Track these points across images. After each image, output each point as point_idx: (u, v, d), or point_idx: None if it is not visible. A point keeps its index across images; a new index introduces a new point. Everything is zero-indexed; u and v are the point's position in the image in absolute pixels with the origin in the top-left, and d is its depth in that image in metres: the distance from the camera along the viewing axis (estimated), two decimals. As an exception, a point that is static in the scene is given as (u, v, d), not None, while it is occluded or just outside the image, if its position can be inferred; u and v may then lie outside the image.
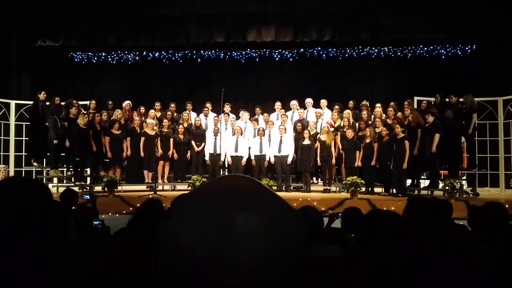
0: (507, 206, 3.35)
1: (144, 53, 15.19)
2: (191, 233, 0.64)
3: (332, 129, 11.73)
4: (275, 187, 11.30)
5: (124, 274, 2.26)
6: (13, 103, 13.69)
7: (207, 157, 11.98)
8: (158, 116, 12.53)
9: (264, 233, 0.64)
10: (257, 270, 0.62)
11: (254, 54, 15.09)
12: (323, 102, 12.74)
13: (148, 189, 11.65)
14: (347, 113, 11.97)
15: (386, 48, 14.56)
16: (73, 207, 4.87)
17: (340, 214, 4.11)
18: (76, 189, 8.44)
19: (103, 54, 15.32)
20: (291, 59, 15.02)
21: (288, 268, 0.64)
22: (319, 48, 14.65)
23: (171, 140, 11.96)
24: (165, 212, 0.70)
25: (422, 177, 11.67)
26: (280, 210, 0.68)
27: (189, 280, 0.63)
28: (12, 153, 13.68)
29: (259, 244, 0.63)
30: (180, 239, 0.64)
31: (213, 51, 15.04)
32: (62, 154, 12.12)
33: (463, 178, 11.64)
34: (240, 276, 0.62)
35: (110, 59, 15.41)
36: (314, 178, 12.42)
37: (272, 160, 11.75)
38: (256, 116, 12.68)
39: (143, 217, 3.21)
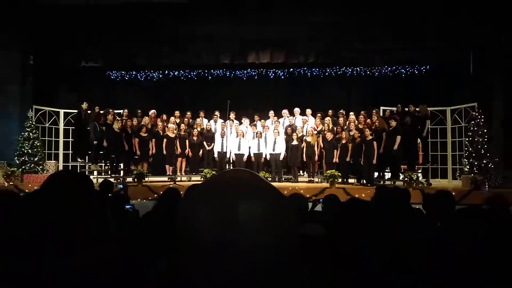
0: (454, 193, 3.35)
1: (166, 72, 15.19)
2: (201, 217, 0.63)
3: (315, 132, 11.73)
4: (270, 178, 11.29)
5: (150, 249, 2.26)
6: (62, 111, 13.66)
7: (216, 155, 11.97)
8: (177, 122, 12.52)
9: (262, 216, 0.64)
10: (258, 246, 0.62)
11: (253, 73, 15.09)
12: (308, 111, 12.73)
13: (169, 180, 11.64)
14: (327, 119, 12.00)
15: (358, 68, 14.57)
16: (109, 194, 4.86)
17: (322, 200, 4.10)
18: (112, 180, 8.43)
19: (134, 72, 15.31)
20: (283, 77, 15.02)
21: (284, 244, 0.64)
22: (305, 68, 14.65)
23: (187, 141, 11.95)
24: (181, 199, 0.69)
25: (386, 170, 11.68)
26: (274, 196, 0.68)
27: (201, 257, 0.62)
28: (61, 152, 13.66)
29: (258, 225, 0.63)
30: (192, 222, 0.64)
31: (220, 70, 15.04)
32: (101, 152, 12.11)
33: (419, 171, 11.65)
34: (244, 253, 0.62)
35: (139, 77, 15.41)
36: (301, 171, 12.42)
37: (268, 157, 11.74)
38: (255, 122, 12.66)
39: (164, 203, 3.21)
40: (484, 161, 10.87)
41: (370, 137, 10.65)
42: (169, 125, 12.01)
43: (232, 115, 12.67)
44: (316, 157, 11.48)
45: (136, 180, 10.78)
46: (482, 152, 10.97)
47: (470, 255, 1.35)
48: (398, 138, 10.62)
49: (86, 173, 11.75)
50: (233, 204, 0.63)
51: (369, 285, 1.43)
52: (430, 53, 12.45)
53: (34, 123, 12.37)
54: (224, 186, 0.67)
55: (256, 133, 11.87)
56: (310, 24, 12.19)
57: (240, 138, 11.83)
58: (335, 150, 11.17)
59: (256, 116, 12.94)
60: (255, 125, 12.40)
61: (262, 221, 0.63)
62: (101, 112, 12.42)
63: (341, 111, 12.60)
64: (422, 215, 3.21)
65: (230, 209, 0.63)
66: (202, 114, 12.95)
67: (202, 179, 11.06)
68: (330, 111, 12.69)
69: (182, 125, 12.14)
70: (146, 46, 13.15)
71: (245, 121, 12.69)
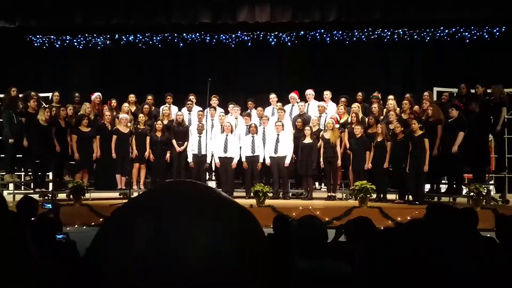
0: (541, 215, 3.36)
1: (116, 35, 15.10)
2: (122, 260, 0.63)
3: (337, 125, 11.73)
4: (271, 194, 11.29)
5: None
6: (-40, 95, 13.60)
7: (190, 159, 11.97)
8: (132, 111, 12.50)
9: (216, 253, 0.64)
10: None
11: (246, 38, 15.06)
12: (327, 94, 12.73)
13: (121, 196, 11.61)
14: (356, 106, 11.98)
15: (400, 30, 14.56)
16: (32, 218, 4.85)
17: (344, 225, 4.11)
18: (36, 196, 8.40)
19: (68, 37, 15.22)
20: (289, 43, 15.00)
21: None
22: (322, 31, 14.63)
23: (148, 138, 11.93)
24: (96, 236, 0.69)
25: (443, 181, 11.69)
26: (235, 221, 0.68)
27: None
28: (-41, 155, 13.59)
29: (210, 269, 0.63)
30: (111, 268, 0.64)
31: (197, 34, 14.99)
32: (19, 155, 12.04)
33: (490, 182, 11.67)
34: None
35: (76, 44, 15.32)
36: (317, 183, 12.42)
37: (268, 161, 11.74)
38: (249, 111, 12.65)
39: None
40: None
41: (420, 132, 10.66)
42: (121, 115, 11.99)
43: (214, 101, 12.65)
44: (339, 162, 11.50)
45: (72, 196, 10.74)
46: None
47: None
48: (461, 134, 10.63)
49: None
50: (169, 239, 0.64)
51: None
52: (507, 6, 12.45)
53: None
54: (155, 209, 0.67)
55: (250, 127, 11.87)
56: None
57: (227, 134, 11.83)
58: (367, 152, 11.19)
59: (250, 102, 12.93)
60: (249, 115, 12.41)
61: (217, 261, 0.64)
62: (20, 96, 12.36)
63: (376, 94, 12.62)
64: (495, 247, 3.22)
65: (165, 247, 0.63)
66: (169, 98, 12.92)
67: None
68: (359, 93, 12.70)
69: (141, 115, 12.12)
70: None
71: (234, 109, 12.70)
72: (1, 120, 12.01)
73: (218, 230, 0.65)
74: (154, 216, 0.65)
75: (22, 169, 12.44)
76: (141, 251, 0.63)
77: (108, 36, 15.17)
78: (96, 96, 12.76)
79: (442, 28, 14.32)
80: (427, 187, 11.37)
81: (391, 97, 12.18)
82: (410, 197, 10.91)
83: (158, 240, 0.63)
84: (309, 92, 12.84)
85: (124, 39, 15.18)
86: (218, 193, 0.72)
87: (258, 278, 0.65)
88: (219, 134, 11.95)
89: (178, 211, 0.66)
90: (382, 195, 11.20)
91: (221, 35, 15.02)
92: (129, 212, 0.68)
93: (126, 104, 12.44)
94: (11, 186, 12.18)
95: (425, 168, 10.50)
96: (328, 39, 14.82)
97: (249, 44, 15.10)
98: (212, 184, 12.56)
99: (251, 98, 13.19)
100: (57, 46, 15.36)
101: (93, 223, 9.81)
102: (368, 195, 10.48)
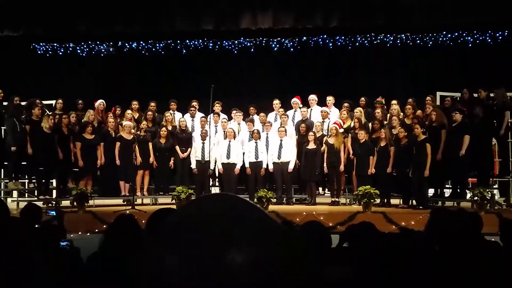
0: (546, 218, 3.36)
1: (119, 43, 15.14)
2: (174, 267, 0.63)
3: (341, 130, 11.71)
4: (274, 199, 11.28)
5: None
6: (-36, 103, 13.62)
7: (193, 165, 11.96)
8: (136, 117, 12.51)
9: (263, 269, 0.64)
10: None
11: (248, 44, 15.08)
12: (330, 99, 12.74)
13: (125, 203, 11.59)
14: (358, 111, 11.97)
15: (403, 35, 14.56)
16: (36, 225, 4.85)
17: (344, 231, 4.09)
18: (40, 204, 8.40)
19: (71, 45, 15.26)
20: (292, 49, 15.01)
21: None
22: (325, 36, 14.64)
23: (151, 145, 11.94)
24: (145, 239, 0.70)
25: (447, 186, 11.66)
26: (282, 241, 0.68)
27: None
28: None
29: (260, 279, 0.63)
30: (160, 274, 0.64)
31: (200, 41, 15.02)
32: (22, 163, 12.05)
33: (494, 186, 11.63)
34: None
35: (79, 51, 15.35)
36: (321, 189, 12.41)
37: (271, 167, 11.73)
38: (251, 116, 12.64)
39: (114, 238, 3.19)
40: None
41: (423, 137, 10.66)
42: (125, 122, 11.99)
43: (217, 107, 12.67)
44: (342, 167, 11.49)
45: (76, 203, 10.74)
46: None
47: None
48: (467, 138, 10.60)
49: (1, 194, 11.71)
50: (221, 254, 0.65)
51: None
52: (510, 10, 12.44)
53: None
54: (207, 224, 0.67)
55: (253, 133, 11.87)
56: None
57: (229, 140, 11.83)
58: (371, 157, 11.18)
59: (252, 108, 12.93)
60: (252, 121, 12.40)
61: (264, 277, 0.63)
62: (23, 103, 12.39)
63: (379, 99, 12.63)
64: (499, 251, 3.21)
65: (216, 261, 0.64)
66: (173, 105, 12.95)
67: (173, 201, 11.05)
68: (362, 98, 12.71)
69: (144, 121, 12.14)
70: (90, 5, 13.14)
71: (237, 115, 12.70)
72: (5, 128, 12.04)
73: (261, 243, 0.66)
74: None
75: (26, 177, 12.43)
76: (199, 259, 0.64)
77: (111, 43, 15.21)
78: (99, 103, 12.77)
79: (444, 32, 14.32)
80: (431, 191, 11.35)
81: (394, 102, 12.17)
82: (414, 201, 10.90)
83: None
84: (312, 98, 12.84)
85: (127, 46, 15.22)
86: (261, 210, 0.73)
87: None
88: (222, 140, 11.96)
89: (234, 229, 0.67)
90: (386, 200, 11.18)
91: (224, 42, 15.04)
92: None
93: (129, 111, 12.45)
94: (15, 193, 12.18)
95: (426, 172, 10.49)
96: (330, 44, 14.83)
97: (252, 50, 15.12)
98: (216, 190, 12.59)
99: (254, 103, 13.17)
100: (60, 53, 15.40)
101: (96, 230, 9.77)
102: (372, 200, 10.48)
